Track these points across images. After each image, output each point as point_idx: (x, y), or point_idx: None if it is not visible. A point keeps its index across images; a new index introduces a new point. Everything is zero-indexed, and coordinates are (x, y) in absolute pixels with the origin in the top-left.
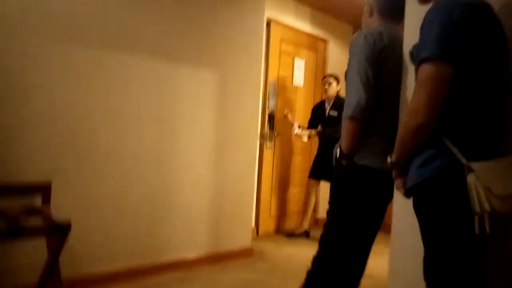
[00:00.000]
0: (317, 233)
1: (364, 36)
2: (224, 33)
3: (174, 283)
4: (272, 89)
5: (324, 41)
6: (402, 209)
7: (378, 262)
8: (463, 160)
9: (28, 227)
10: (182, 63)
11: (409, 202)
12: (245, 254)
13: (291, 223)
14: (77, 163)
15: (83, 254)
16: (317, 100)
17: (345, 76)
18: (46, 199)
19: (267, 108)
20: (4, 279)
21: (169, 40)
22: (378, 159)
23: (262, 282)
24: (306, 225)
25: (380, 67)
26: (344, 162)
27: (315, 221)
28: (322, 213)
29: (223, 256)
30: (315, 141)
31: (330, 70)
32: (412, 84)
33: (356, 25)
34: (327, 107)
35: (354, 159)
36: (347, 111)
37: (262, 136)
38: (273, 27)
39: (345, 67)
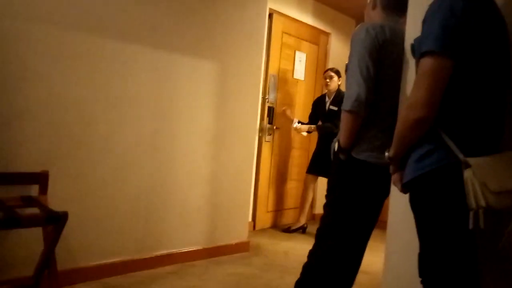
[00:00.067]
0: (314, 228)
1: (366, 29)
2: (225, 23)
3: (169, 277)
4: (273, 82)
5: (326, 34)
6: (398, 206)
7: (374, 258)
8: (460, 156)
9: (25, 217)
10: (181, 54)
11: (406, 198)
12: (242, 248)
13: (288, 218)
14: (75, 153)
15: (78, 247)
16: (318, 94)
17: (346, 69)
18: (43, 189)
19: (266, 101)
20: (0, 271)
21: (169, 30)
22: (376, 154)
23: (258, 276)
24: (303, 220)
25: (381, 61)
26: (342, 156)
27: (312, 217)
28: (319, 208)
29: (219, 250)
30: (314, 135)
31: (331, 64)
32: (413, 78)
33: (358, 19)
34: (328, 101)
35: (352, 153)
36: (346, 104)
37: (261, 129)
38: (275, 18)
39: (346, 61)
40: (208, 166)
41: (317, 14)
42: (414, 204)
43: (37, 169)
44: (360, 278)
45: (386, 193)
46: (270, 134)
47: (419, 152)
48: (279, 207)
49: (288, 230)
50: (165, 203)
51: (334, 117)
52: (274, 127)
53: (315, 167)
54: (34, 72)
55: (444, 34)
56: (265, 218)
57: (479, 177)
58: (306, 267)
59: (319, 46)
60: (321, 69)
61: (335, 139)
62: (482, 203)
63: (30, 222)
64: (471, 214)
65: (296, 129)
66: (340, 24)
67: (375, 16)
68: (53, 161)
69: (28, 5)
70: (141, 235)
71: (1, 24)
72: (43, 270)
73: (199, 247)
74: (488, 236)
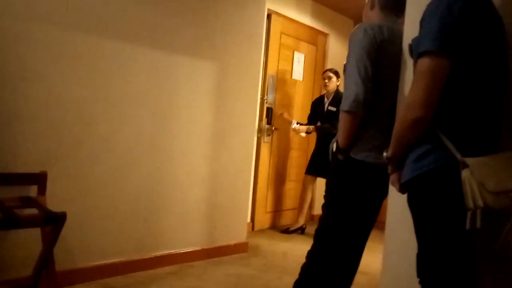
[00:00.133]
0: (312, 229)
1: (364, 29)
2: (224, 24)
3: (168, 277)
4: (271, 83)
5: (325, 35)
6: (396, 206)
7: (372, 259)
8: (458, 156)
9: (24, 218)
10: (181, 54)
11: (404, 199)
12: (240, 249)
13: (286, 219)
14: (75, 153)
15: (78, 247)
16: (316, 95)
17: (344, 69)
18: (42, 190)
19: (265, 102)
20: None
21: (169, 30)
22: (375, 154)
23: (257, 277)
24: (301, 221)
25: (379, 61)
26: (340, 157)
27: (311, 217)
28: (318, 209)
29: (218, 250)
30: (313, 136)
31: (330, 64)
32: (411, 78)
33: (357, 19)
34: (326, 102)
35: (350, 153)
36: (344, 104)
37: (259, 130)
38: (273, 19)
39: (345, 62)
40: (208, 166)
41: (316, 15)
42: (412, 204)
43: (37, 169)
44: (358, 278)
45: (385, 193)
46: (268, 135)
47: (417, 152)
48: (277, 208)
49: (286, 230)
50: (165, 203)
51: (333, 117)
52: (273, 128)
53: (314, 168)
54: (34, 72)
55: (441, 34)
56: (263, 219)
57: (477, 177)
58: (305, 268)
59: (317, 47)
60: (319, 70)
61: (333, 140)
62: (480, 203)
63: (29, 222)
64: (469, 214)
65: (294, 130)
66: (338, 24)
67: (373, 16)
68: (52, 161)
69: (28, 5)
70: (140, 235)
71: (1, 24)
72: (41, 271)
73: (198, 248)
74: (487, 236)
